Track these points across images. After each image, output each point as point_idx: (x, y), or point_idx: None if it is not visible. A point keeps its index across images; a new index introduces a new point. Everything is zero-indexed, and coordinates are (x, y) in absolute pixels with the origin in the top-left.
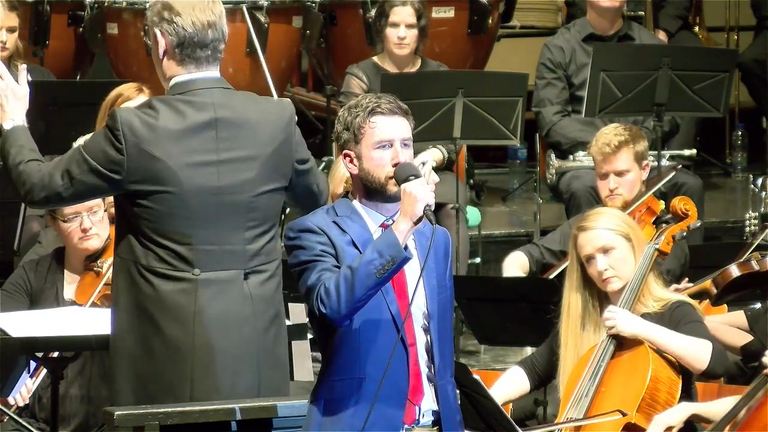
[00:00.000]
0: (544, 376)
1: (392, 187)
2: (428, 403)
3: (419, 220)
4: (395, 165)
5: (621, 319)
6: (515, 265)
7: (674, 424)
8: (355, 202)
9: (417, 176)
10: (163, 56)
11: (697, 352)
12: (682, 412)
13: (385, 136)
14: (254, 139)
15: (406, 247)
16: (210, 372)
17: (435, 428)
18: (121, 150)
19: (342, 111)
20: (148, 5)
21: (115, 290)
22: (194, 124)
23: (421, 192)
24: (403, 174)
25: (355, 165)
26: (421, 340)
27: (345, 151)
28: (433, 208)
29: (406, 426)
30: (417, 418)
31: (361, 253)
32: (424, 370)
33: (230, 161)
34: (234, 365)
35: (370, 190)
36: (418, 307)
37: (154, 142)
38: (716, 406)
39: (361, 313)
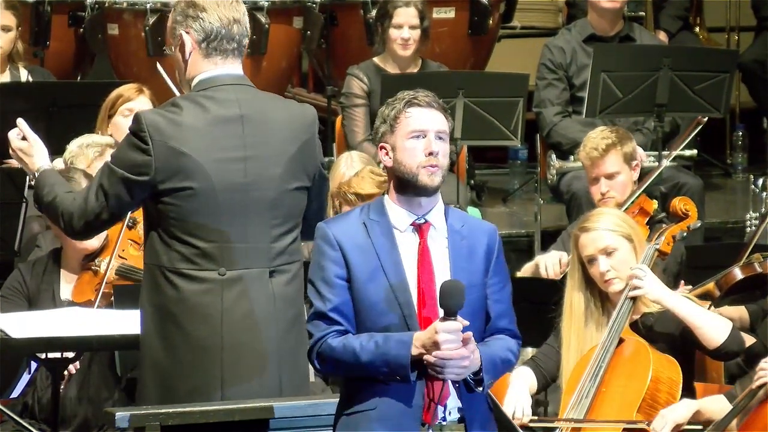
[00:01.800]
0: (550, 377)
1: (424, 178)
2: (454, 401)
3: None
4: (430, 154)
5: (649, 282)
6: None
7: (682, 421)
8: (387, 200)
9: (459, 308)
10: (189, 56)
11: (716, 328)
12: (688, 408)
13: (419, 126)
14: (279, 136)
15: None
16: (240, 372)
17: (461, 425)
18: (148, 150)
19: (382, 108)
20: (172, 7)
21: (141, 296)
22: (219, 118)
23: (444, 362)
24: (448, 300)
25: (389, 157)
26: None
27: (381, 144)
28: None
29: (431, 425)
30: (443, 415)
31: (381, 262)
32: None
33: (257, 158)
34: (261, 364)
35: (403, 182)
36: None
37: (181, 138)
38: (715, 404)
39: (376, 327)
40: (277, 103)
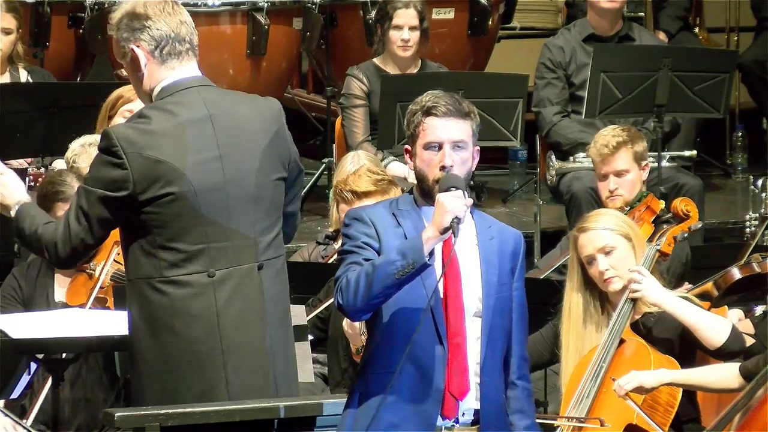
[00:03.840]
0: (531, 363)
1: (436, 194)
2: (471, 400)
3: (446, 230)
4: (442, 168)
5: (648, 285)
6: None
7: (647, 386)
8: (416, 197)
9: (458, 188)
10: (144, 68)
11: (715, 328)
12: (658, 377)
13: (434, 138)
14: (250, 130)
15: (431, 254)
16: (242, 371)
17: (474, 427)
18: (123, 164)
19: (411, 104)
20: (113, 27)
21: (129, 310)
22: (189, 121)
23: (452, 204)
24: (445, 184)
25: (411, 162)
26: (472, 335)
27: (405, 147)
28: (462, 221)
29: (447, 421)
30: (457, 415)
31: None
32: (473, 365)
33: (232, 154)
34: (260, 362)
35: (423, 189)
36: (473, 302)
37: (154, 146)
38: (696, 374)
39: (400, 307)
40: (242, 98)
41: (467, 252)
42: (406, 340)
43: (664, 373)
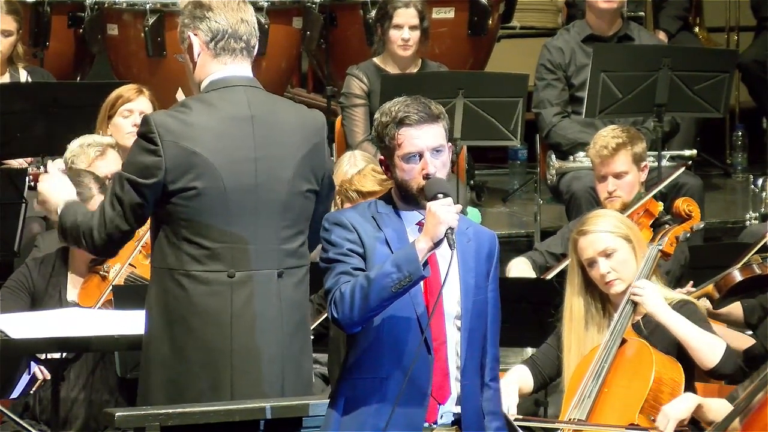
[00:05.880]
0: (547, 377)
1: (423, 200)
2: (452, 402)
3: (440, 241)
4: (426, 177)
5: (649, 295)
6: (520, 272)
7: (686, 417)
8: (395, 197)
9: (446, 194)
10: (197, 57)
11: (710, 349)
12: (689, 403)
13: (413, 148)
14: (290, 138)
15: (425, 264)
16: (249, 375)
17: (454, 428)
18: (158, 151)
19: (377, 114)
20: (180, 12)
21: (147, 298)
22: (230, 118)
23: (445, 214)
24: (432, 191)
25: (389, 172)
26: (452, 338)
27: (380, 158)
28: (455, 230)
29: (426, 424)
30: (437, 418)
31: (392, 252)
32: (452, 369)
33: (267, 158)
34: (268, 368)
35: (406, 196)
36: (452, 306)
37: (192, 137)
38: (717, 404)
39: (386, 312)
40: (287, 105)
41: (446, 255)
42: (393, 345)
43: (692, 399)
